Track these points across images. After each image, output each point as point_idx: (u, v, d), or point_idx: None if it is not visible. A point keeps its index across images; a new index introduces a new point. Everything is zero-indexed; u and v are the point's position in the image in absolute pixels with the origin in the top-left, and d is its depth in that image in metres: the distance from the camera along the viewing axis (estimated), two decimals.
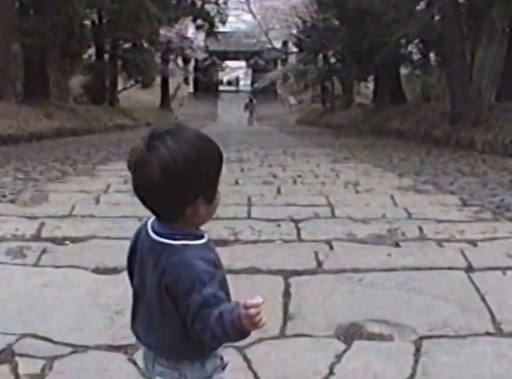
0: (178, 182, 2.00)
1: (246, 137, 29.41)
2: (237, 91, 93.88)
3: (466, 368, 3.56)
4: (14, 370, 3.51)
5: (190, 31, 64.56)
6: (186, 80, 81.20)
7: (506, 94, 23.08)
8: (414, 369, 3.54)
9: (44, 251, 5.67)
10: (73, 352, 3.74)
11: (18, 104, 27.59)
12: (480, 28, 26.54)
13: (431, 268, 5.23)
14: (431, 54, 37.85)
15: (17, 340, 3.84)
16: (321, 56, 51.37)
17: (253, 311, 1.92)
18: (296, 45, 58.13)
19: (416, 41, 34.87)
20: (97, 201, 8.47)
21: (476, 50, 26.31)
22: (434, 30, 26.60)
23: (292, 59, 66.97)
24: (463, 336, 3.96)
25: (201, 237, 2.15)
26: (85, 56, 42.65)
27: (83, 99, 43.62)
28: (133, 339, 3.84)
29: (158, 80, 59.48)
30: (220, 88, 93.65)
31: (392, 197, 8.75)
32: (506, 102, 21.43)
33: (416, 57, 38.12)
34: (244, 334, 2.00)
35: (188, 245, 2.08)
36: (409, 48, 36.43)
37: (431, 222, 6.94)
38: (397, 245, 6.00)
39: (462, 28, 23.42)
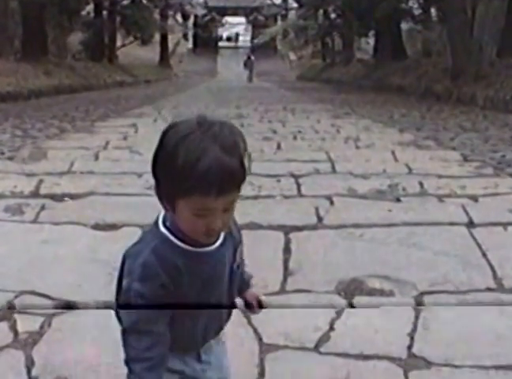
0: None
1: (246, 93, 29.33)
2: (237, 48, 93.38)
3: (467, 323, 3.55)
4: (13, 327, 3.49)
5: None
6: (185, 37, 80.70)
7: (508, 50, 22.97)
8: (415, 325, 3.53)
9: (43, 208, 5.65)
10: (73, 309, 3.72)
11: (16, 62, 27.44)
12: None
13: (432, 224, 5.21)
14: (432, 10, 37.53)
15: (16, 297, 3.83)
16: (321, 11, 51.04)
17: None
18: (296, 0, 57.67)
19: None
20: (96, 158, 8.43)
21: (476, 5, 26.11)
22: None
23: (292, 15, 66.76)
24: (464, 292, 3.94)
25: None
26: (84, 13, 42.40)
27: (81, 56, 43.34)
28: None
29: (157, 36, 59.02)
30: (220, 44, 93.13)
31: (392, 153, 8.73)
32: (507, 58, 21.32)
33: (416, 12, 37.78)
34: None
35: None
36: (410, 3, 36.12)
37: (432, 177, 6.91)
38: (398, 200, 5.98)
39: None
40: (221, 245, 1.93)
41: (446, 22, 25.50)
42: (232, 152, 1.72)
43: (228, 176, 1.71)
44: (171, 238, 1.86)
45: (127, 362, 1.88)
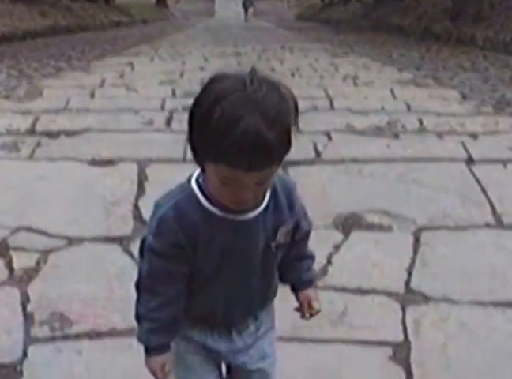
0: None
1: (244, 33, 29.14)
2: None
3: (465, 259, 3.55)
4: (9, 264, 3.49)
5: None
6: None
7: None
8: (413, 260, 3.53)
9: (39, 144, 5.61)
10: (69, 244, 3.72)
11: (12, 3, 27.07)
12: None
13: (431, 160, 5.19)
14: None
15: (12, 234, 3.82)
16: None
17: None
18: None
19: None
20: (92, 96, 8.35)
21: None
22: None
23: None
24: (463, 228, 3.94)
25: None
26: None
27: None
28: (129, 231, 3.86)
29: None
30: None
31: (391, 91, 8.67)
32: None
33: None
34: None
35: None
36: None
37: (431, 115, 6.86)
38: (397, 136, 5.94)
39: None
40: (257, 216, 1.71)
41: None
42: (274, 124, 1.47)
43: (263, 152, 1.46)
44: (199, 195, 1.67)
45: (137, 318, 1.82)
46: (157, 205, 1.73)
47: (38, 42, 20.76)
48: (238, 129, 1.44)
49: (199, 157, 1.59)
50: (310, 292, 2.01)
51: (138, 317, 1.81)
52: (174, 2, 68.44)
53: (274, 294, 1.99)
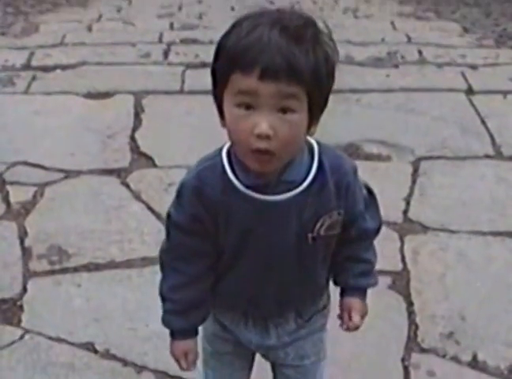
0: None
1: None
2: None
3: (464, 190, 3.57)
4: (5, 198, 3.51)
5: None
6: None
7: None
8: (411, 189, 3.55)
9: (34, 78, 5.51)
10: (65, 177, 3.73)
11: None
12: None
13: (430, 90, 5.13)
14: None
15: (8, 169, 3.82)
16: None
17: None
18: None
19: None
20: (89, 30, 8.24)
21: None
22: None
23: None
24: (462, 158, 3.94)
25: None
26: None
27: None
28: (126, 163, 3.86)
29: None
30: None
31: (392, 23, 8.54)
32: None
33: None
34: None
35: None
36: None
37: (431, 46, 6.76)
38: (396, 67, 5.86)
39: None
40: (288, 200, 1.52)
41: None
42: (295, 36, 1.36)
43: (280, 56, 1.33)
44: (225, 163, 1.53)
45: (160, 297, 1.71)
46: (188, 171, 1.60)
47: None
48: (252, 35, 1.35)
49: (219, 90, 1.44)
50: (354, 302, 1.77)
51: (161, 296, 1.70)
52: None
53: (321, 293, 1.78)
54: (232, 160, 1.52)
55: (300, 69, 1.34)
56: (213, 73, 1.45)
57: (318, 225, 1.56)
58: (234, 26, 1.42)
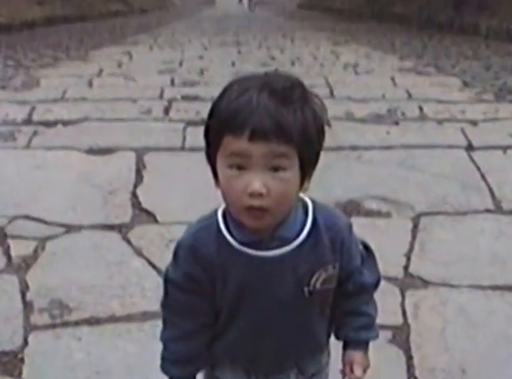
0: None
1: (245, 22, 29.21)
2: None
3: (465, 245, 3.58)
4: (6, 252, 3.53)
5: None
6: None
7: None
8: (412, 245, 3.57)
9: (35, 134, 5.65)
10: (66, 232, 3.76)
11: None
12: None
13: (430, 146, 5.23)
14: None
15: (9, 222, 3.86)
16: None
17: None
18: None
19: None
20: (90, 85, 8.39)
21: None
22: None
23: None
24: (462, 213, 3.98)
25: None
26: None
27: None
28: (127, 219, 3.90)
29: None
30: None
31: (392, 79, 8.73)
32: None
33: None
34: None
35: None
36: None
37: (432, 102, 6.91)
38: (397, 123, 5.99)
39: None
40: (283, 255, 1.57)
41: None
42: (282, 97, 1.45)
43: (268, 117, 1.41)
44: (220, 221, 1.60)
45: (160, 340, 1.76)
46: (184, 231, 1.67)
47: (35, 32, 20.77)
48: (242, 99, 1.42)
49: (212, 152, 1.52)
50: (355, 355, 1.79)
51: (162, 343, 1.75)
52: None
53: (321, 347, 1.81)
54: (227, 219, 1.58)
55: (289, 129, 1.41)
56: (206, 136, 1.53)
57: (314, 279, 1.61)
58: (225, 90, 1.50)
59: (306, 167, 1.49)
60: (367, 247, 1.78)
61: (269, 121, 1.40)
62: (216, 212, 1.62)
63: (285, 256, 1.56)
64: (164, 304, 1.71)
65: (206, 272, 1.60)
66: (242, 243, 1.56)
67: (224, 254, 1.58)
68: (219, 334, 1.72)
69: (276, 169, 1.43)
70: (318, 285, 1.61)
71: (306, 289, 1.61)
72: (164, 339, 1.73)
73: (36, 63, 11.18)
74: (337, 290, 1.69)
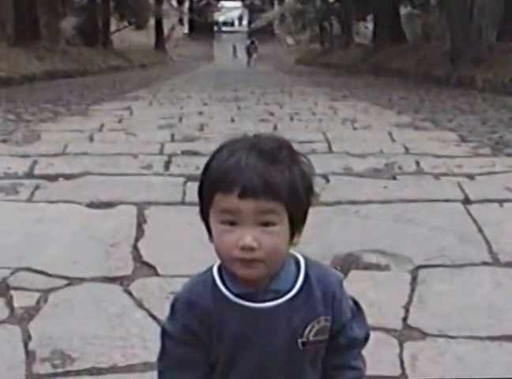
0: None
1: (243, 77, 29.52)
2: (233, 32, 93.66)
3: (462, 296, 3.62)
4: (9, 303, 3.56)
5: None
6: (180, 21, 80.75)
7: (507, 34, 23.24)
8: (410, 298, 3.60)
9: (37, 187, 5.72)
10: (69, 284, 3.79)
11: (9, 47, 27.44)
12: None
13: (427, 200, 5.31)
14: None
15: (12, 274, 3.89)
16: None
17: None
18: None
19: None
20: (91, 140, 8.50)
21: None
22: None
23: None
24: (460, 266, 4.02)
25: None
26: None
27: (75, 41, 43.27)
28: (129, 271, 3.95)
29: (152, 21, 59.15)
30: (216, 28, 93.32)
31: (390, 134, 8.84)
32: (506, 42, 21.51)
33: None
34: None
35: None
36: None
37: (429, 157, 7.01)
38: (394, 178, 6.08)
39: None
40: (278, 306, 1.66)
41: (444, 6, 25.59)
42: (270, 157, 1.56)
43: (256, 176, 1.53)
44: (216, 275, 1.69)
45: None
46: (181, 288, 1.75)
47: (35, 86, 21.02)
48: (232, 159, 1.56)
49: (204, 215, 1.64)
50: None
51: None
52: (172, 47, 69.15)
53: None
54: (223, 274, 1.67)
55: (277, 186, 1.53)
56: (200, 194, 1.64)
57: (307, 330, 1.68)
58: (216, 152, 1.63)
59: (296, 222, 1.60)
60: (356, 303, 1.84)
61: (257, 180, 1.52)
62: (211, 268, 1.71)
63: (279, 308, 1.64)
64: (161, 358, 1.76)
65: (203, 324, 1.66)
66: (237, 295, 1.64)
67: (219, 306, 1.65)
68: None
69: (266, 224, 1.55)
70: (311, 337, 1.68)
71: (299, 340, 1.68)
72: None
73: (37, 117, 11.31)
74: (328, 344, 1.75)
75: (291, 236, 1.60)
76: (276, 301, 1.65)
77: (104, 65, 35.99)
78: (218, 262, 1.69)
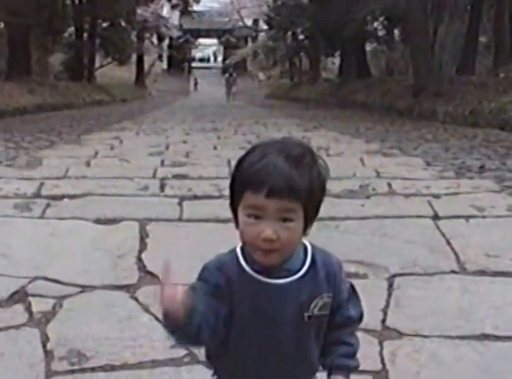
0: None
1: (219, 110, 29.59)
2: (209, 68, 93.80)
3: (434, 301, 3.77)
4: (28, 308, 3.66)
5: (165, 11, 64.37)
6: (160, 57, 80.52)
7: (466, 68, 23.60)
8: (387, 302, 3.75)
9: (48, 205, 5.87)
10: (81, 291, 3.91)
11: (2, 81, 27.42)
12: (443, 6, 26.81)
13: (400, 217, 5.48)
14: (396, 31, 38.01)
15: (29, 282, 4.00)
16: (290, 33, 51.37)
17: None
18: (267, 23, 57.87)
19: (382, 18, 35.06)
20: (88, 165, 8.60)
21: (438, 26, 26.61)
22: (399, 7, 26.76)
23: (262, 36, 67.12)
24: (431, 274, 4.18)
25: None
26: (65, 35, 42.50)
27: (62, 75, 43.13)
28: (134, 280, 4.07)
29: (133, 57, 59.08)
30: (193, 64, 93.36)
31: (361, 160, 9.01)
32: (465, 75, 21.81)
33: (381, 33, 38.28)
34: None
35: None
36: (375, 25, 36.57)
37: (399, 179, 7.18)
38: (368, 198, 6.25)
39: (425, 6, 23.65)
40: (289, 284, 1.81)
41: (408, 42, 25.94)
42: (295, 162, 1.71)
43: (283, 179, 1.67)
44: (239, 253, 1.83)
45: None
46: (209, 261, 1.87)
47: (27, 118, 21.04)
48: (262, 162, 1.70)
49: (233, 207, 1.79)
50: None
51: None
52: (151, 82, 69.04)
53: (313, 372, 1.97)
54: (245, 253, 1.81)
55: (298, 189, 1.69)
56: (231, 188, 1.80)
57: (312, 305, 1.83)
58: (248, 152, 1.79)
59: (309, 218, 1.77)
60: (352, 287, 2.03)
61: (282, 182, 1.67)
62: (235, 248, 1.86)
63: (291, 284, 1.80)
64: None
65: (227, 284, 1.79)
66: (256, 271, 1.79)
67: (240, 278, 1.79)
68: (229, 354, 1.88)
69: (284, 220, 1.70)
70: (315, 311, 1.83)
71: (305, 314, 1.82)
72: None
73: (34, 145, 11.38)
74: (328, 321, 1.91)
75: (305, 229, 1.77)
76: (289, 278, 1.80)
77: (89, 98, 35.98)
78: (239, 245, 1.85)
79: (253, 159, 1.74)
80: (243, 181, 1.73)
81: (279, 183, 1.67)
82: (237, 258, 1.82)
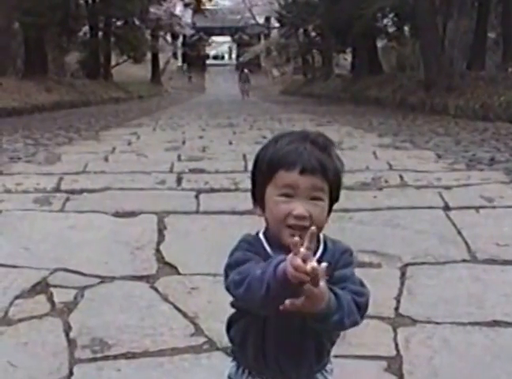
0: None
1: (234, 106, 29.58)
2: (223, 65, 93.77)
3: (446, 289, 3.79)
4: (50, 299, 3.71)
5: (178, 9, 64.37)
6: (174, 55, 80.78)
7: (476, 63, 23.54)
8: (400, 290, 3.78)
9: (68, 199, 5.93)
10: (101, 282, 3.96)
11: (19, 80, 27.56)
12: (451, 2, 26.76)
13: (412, 208, 5.51)
14: (406, 27, 37.89)
15: (51, 274, 4.05)
16: (301, 30, 51.37)
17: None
18: (278, 20, 58.03)
19: (391, 15, 34.98)
20: (106, 160, 8.66)
21: (447, 22, 26.55)
22: (408, 4, 26.72)
23: (275, 34, 67.11)
24: (442, 263, 4.21)
25: None
26: (80, 34, 42.63)
27: (79, 74, 43.33)
28: (153, 271, 4.11)
29: (148, 55, 59.25)
30: (207, 62, 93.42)
31: (374, 153, 9.02)
32: (475, 70, 21.76)
33: (391, 29, 38.18)
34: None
35: None
36: (385, 21, 36.48)
37: (411, 172, 7.21)
38: (381, 190, 6.28)
39: (433, 2, 23.60)
40: None
41: (418, 38, 25.87)
42: (322, 147, 1.79)
43: (314, 159, 1.74)
44: (262, 238, 1.85)
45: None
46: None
47: (45, 115, 21.09)
48: (292, 145, 1.77)
49: (259, 190, 1.83)
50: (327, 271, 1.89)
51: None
52: (167, 79, 69.19)
53: (327, 350, 1.95)
54: (268, 237, 1.84)
55: (327, 169, 1.76)
56: (253, 176, 1.87)
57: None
58: (271, 142, 1.84)
59: (334, 200, 1.83)
60: (361, 282, 1.88)
61: (314, 161, 1.74)
62: (257, 233, 1.89)
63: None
64: (233, 282, 1.76)
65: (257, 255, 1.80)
66: (276, 252, 1.80)
67: (263, 258, 1.78)
68: (249, 333, 1.88)
69: (314, 198, 1.75)
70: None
71: None
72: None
73: (53, 142, 11.43)
74: None
75: (329, 211, 1.82)
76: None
77: (106, 96, 36.09)
78: (263, 229, 1.87)
79: (279, 146, 1.79)
80: (275, 162, 1.77)
81: (311, 161, 1.74)
82: (261, 243, 1.85)
